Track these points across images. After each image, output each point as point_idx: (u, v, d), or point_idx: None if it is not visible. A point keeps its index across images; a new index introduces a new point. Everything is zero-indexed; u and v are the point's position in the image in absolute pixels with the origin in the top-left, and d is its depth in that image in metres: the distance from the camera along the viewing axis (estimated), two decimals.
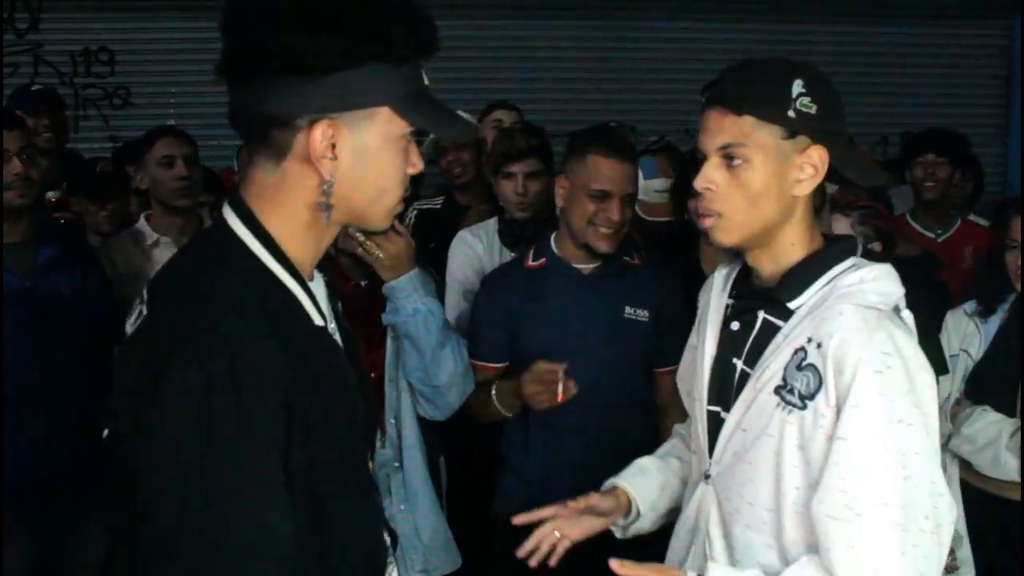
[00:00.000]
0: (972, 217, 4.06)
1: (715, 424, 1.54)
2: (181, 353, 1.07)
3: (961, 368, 2.71)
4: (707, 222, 1.48)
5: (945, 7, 6.31)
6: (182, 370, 1.06)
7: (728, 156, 1.42)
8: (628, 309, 2.49)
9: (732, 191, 1.43)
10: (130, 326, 1.20)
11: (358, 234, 2.09)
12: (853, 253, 1.49)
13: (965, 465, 2.71)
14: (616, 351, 2.47)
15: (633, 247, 2.62)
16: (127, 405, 1.11)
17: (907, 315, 1.44)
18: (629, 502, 1.75)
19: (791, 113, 1.39)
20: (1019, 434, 2.57)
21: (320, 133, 1.15)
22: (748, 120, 1.40)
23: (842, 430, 1.34)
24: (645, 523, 1.77)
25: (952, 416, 2.69)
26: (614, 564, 1.41)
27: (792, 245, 1.47)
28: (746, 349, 1.50)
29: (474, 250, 3.03)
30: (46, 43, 5.85)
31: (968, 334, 2.72)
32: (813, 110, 1.39)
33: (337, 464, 1.21)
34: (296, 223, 1.20)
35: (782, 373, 1.41)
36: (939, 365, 2.45)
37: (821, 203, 1.54)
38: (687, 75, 5.03)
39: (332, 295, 1.34)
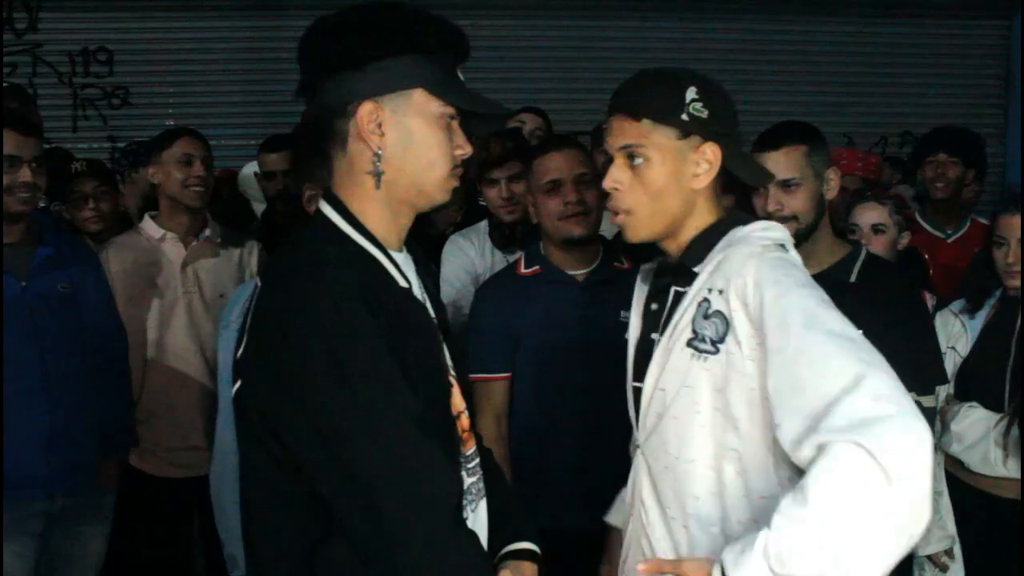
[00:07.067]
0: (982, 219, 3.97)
1: (639, 398, 1.63)
2: (297, 308, 1.30)
3: (950, 365, 2.72)
4: (618, 219, 1.62)
5: (944, 6, 6.31)
6: (302, 320, 1.29)
7: (631, 156, 1.57)
8: (624, 313, 2.46)
9: (636, 188, 1.57)
10: (245, 302, 1.45)
11: None
12: (751, 223, 1.59)
13: (955, 463, 2.73)
14: (618, 355, 2.45)
15: (619, 253, 2.61)
16: (258, 360, 1.35)
17: (795, 254, 1.57)
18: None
19: (684, 116, 1.54)
20: (1003, 425, 2.59)
21: (366, 112, 1.39)
22: (646, 123, 1.56)
23: (772, 343, 1.38)
24: None
25: (941, 414, 2.70)
26: (641, 568, 1.45)
27: (696, 230, 1.60)
28: (662, 322, 1.61)
29: (466, 253, 3.03)
30: (45, 43, 5.83)
31: (955, 332, 2.75)
32: (704, 114, 1.55)
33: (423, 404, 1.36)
34: (369, 199, 1.43)
35: (691, 326, 1.52)
36: (940, 376, 2.44)
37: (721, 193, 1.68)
38: None
39: (425, 273, 1.56)
